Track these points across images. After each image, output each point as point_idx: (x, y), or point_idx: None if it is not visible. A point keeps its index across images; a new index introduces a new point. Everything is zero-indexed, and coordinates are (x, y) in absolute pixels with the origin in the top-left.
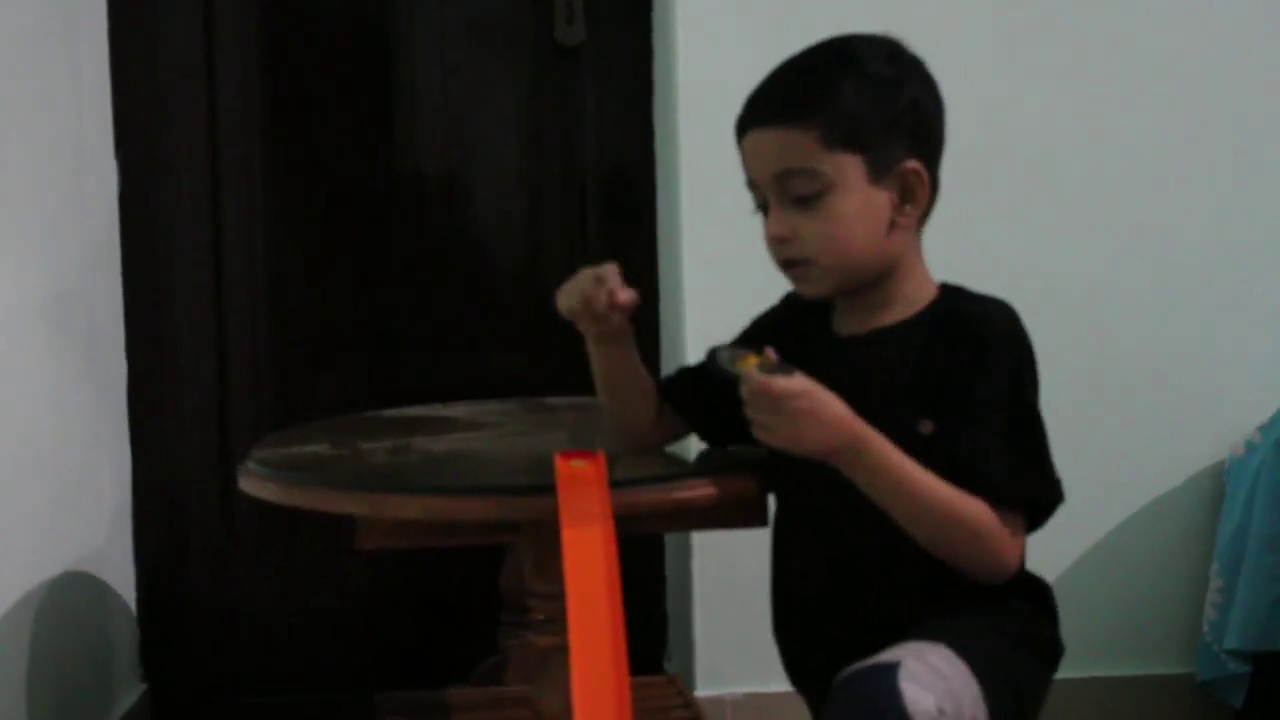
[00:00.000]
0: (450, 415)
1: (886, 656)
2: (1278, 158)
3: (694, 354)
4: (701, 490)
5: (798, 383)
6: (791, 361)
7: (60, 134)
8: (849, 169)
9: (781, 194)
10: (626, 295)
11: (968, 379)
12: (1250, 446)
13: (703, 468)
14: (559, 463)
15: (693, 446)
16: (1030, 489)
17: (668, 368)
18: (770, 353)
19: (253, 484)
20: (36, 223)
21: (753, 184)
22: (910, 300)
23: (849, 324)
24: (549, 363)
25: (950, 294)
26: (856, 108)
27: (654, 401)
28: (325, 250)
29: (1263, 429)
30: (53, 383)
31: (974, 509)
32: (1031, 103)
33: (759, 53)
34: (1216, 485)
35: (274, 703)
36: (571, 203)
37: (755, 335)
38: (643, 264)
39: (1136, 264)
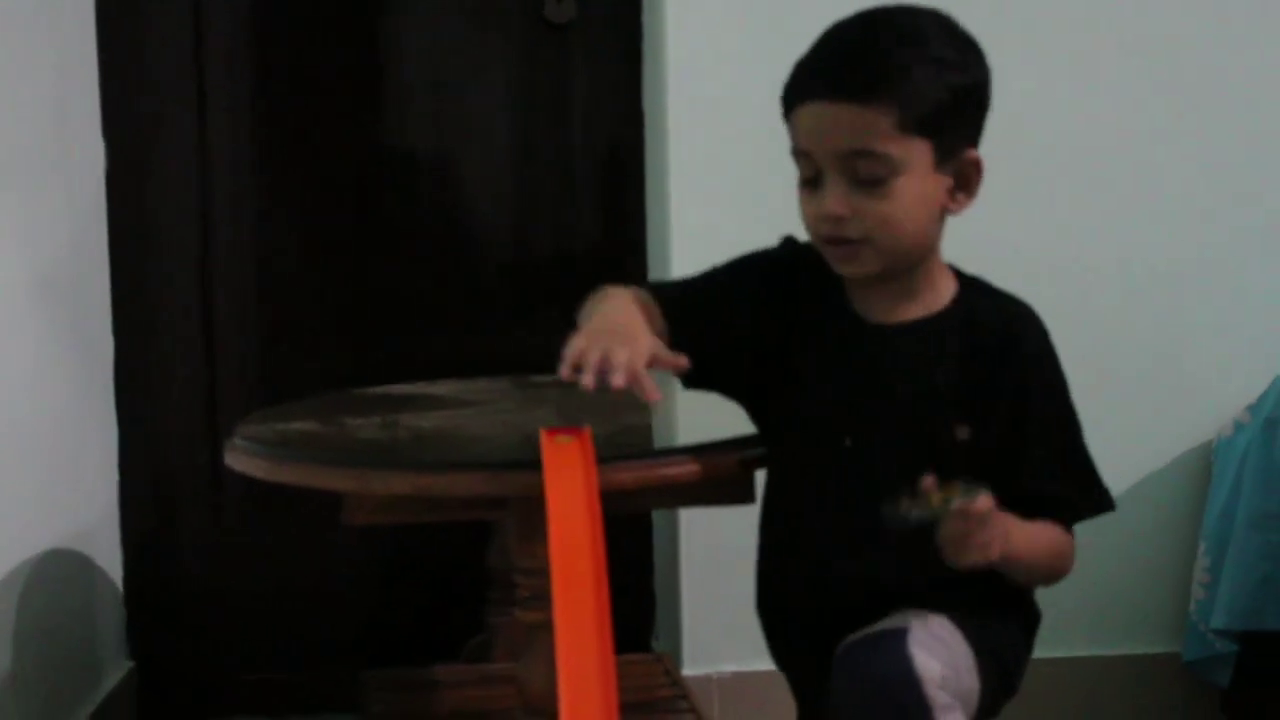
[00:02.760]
0: (438, 393)
1: (892, 623)
2: (1266, 143)
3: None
4: (688, 467)
5: (988, 499)
6: (810, 337)
7: (47, 113)
8: (918, 154)
9: (844, 171)
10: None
11: (1021, 397)
12: (1238, 426)
13: (690, 445)
14: (545, 439)
15: (680, 420)
16: (1091, 505)
17: None
18: (951, 486)
19: (240, 460)
20: (22, 202)
21: (804, 154)
22: (936, 291)
23: (874, 310)
24: (537, 340)
25: (972, 289)
26: (932, 92)
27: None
28: (313, 229)
29: (1250, 409)
30: (39, 363)
31: (1060, 539)
32: (1026, 90)
33: (748, 30)
34: (1204, 465)
35: (261, 680)
36: (561, 181)
37: (749, 275)
38: (632, 241)
39: (1123, 244)
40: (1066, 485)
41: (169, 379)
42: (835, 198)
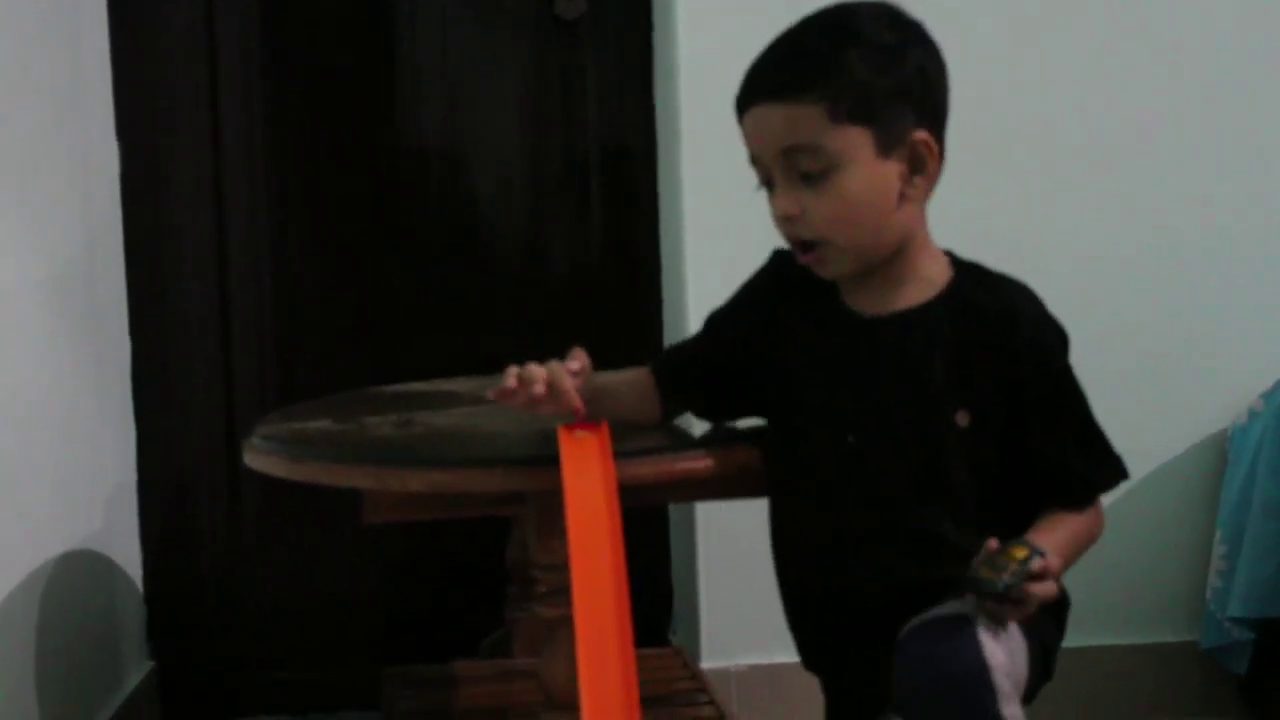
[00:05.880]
0: (454, 390)
1: (954, 609)
2: (1278, 125)
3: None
4: (705, 460)
5: (1055, 557)
6: (806, 338)
7: (62, 115)
8: (857, 143)
9: (788, 171)
10: (577, 366)
11: (1021, 379)
12: (1253, 414)
13: (706, 438)
14: (563, 434)
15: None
16: (1109, 476)
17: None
18: (1013, 548)
19: (258, 459)
20: (38, 204)
21: (756, 160)
22: (927, 278)
23: (865, 302)
24: (551, 339)
25: (967, 273)
26: (862, 78)
27: (649, 395)
28: (328, 228)
29: (1265, 396)
30: (56, 363)
31: (1082, 526)
32: (1031, 75)
33: (760, 25)
34: (1219, 453)
35: (282, 679)
36: (573, 178)
37: (749, 304)
38: (644, 240)
39: (1139, 232)
40: (1079, 461)
41: (186, 379)
42: (784, 197)
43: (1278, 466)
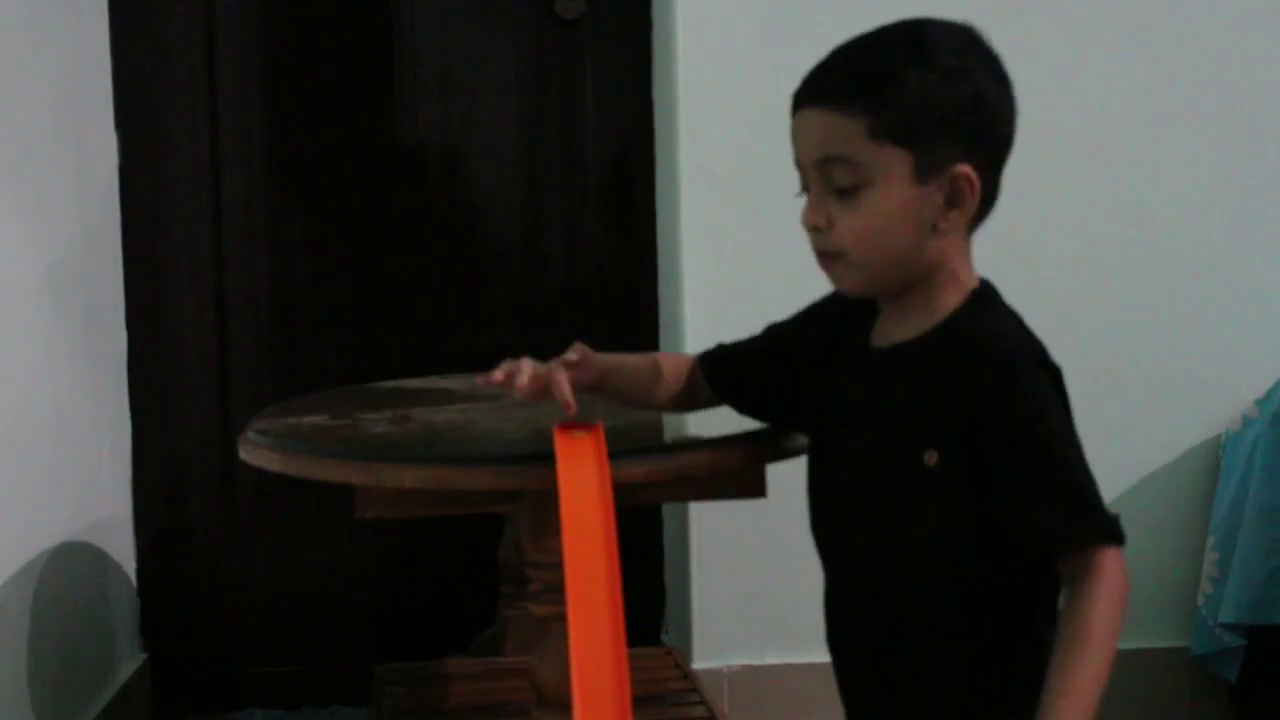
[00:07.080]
0: (449, 387)
1: None
2: (1276, 137)
3: (692, 329)
4: (700, 460)
5: None
6: (834, 365)
7: (61, 108)
8: (894, 164)
9: (822, 180)
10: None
11: (981, 421)
12: (1246, 421)
13: (701, 438)
14: (558, 433)
15: (690, 415)
16: (1078, 532)
17: (665, 343)
18: None
19: (253, 454)
20: (37, 196)
21: (798, 164)
22: (934, 311)
23: (880, 333)
24: (548, 336)
25: (970, 307)
26: (912, 101)
27: (663, 378)
28: (325, 223)
29: (1259, 403)
30: (52, 355)
31: (1104, 630)
32: (1023, 78)
33: (759, 25)
34: (1213, 459)
35: (274, 673)
36: (571, 176)
37: (806, 326)
38: (641, 239)
39: (1133, 239)
40: (1047, 512)
41: (181, 372)
42: (812, 207)
43: (1271, 473)
